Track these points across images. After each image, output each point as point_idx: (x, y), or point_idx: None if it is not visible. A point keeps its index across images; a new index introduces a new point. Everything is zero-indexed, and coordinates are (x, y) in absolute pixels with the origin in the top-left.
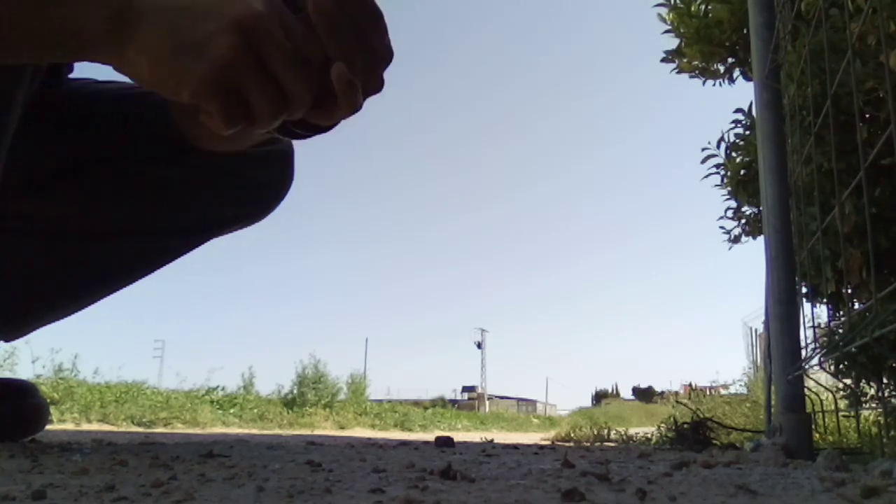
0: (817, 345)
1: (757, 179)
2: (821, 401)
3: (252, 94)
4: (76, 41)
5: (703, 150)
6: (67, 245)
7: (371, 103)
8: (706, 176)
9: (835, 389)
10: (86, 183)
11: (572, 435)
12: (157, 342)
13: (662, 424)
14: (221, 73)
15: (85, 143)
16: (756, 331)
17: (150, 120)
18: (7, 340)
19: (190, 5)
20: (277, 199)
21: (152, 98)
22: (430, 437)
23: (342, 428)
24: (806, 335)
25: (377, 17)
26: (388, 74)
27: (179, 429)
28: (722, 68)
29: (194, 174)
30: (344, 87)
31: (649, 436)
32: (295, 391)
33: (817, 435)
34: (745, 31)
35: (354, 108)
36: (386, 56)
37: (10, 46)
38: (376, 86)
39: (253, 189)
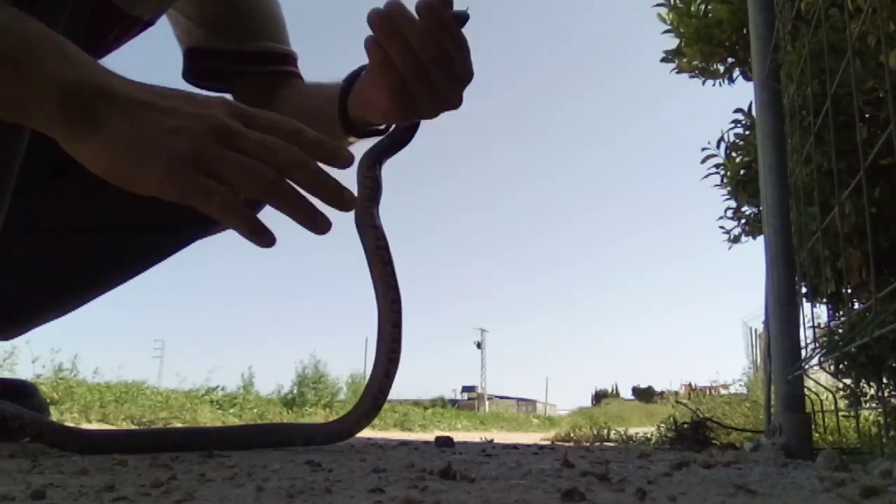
0: (817, 345)
1: (757, 179)
2: (821, 401)
3: (227, 175)
4: (19, 110)
5: (703, 150)
6: (67, 240)
7: None
8: (706, 176)
9: (835, 389)
10: (80, 180)
11: (572, 435)
12: (157, 342)
13: (662, 424)
14: (175, 165)
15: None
16: (756, 331)
17: None
18: (6, 339)
19: (151, 102)
20: None
21: None
22: (429, 437)
23: None
24: (806, 335)
25: (461, 42)
26: None
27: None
28: (722, 68)
29: None
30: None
31: (649, 436)
32: (295, 391)
33: (817, 435)
34: (745, 31)
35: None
36: (466, 76)
37: None
38: (456, 103)
39: None
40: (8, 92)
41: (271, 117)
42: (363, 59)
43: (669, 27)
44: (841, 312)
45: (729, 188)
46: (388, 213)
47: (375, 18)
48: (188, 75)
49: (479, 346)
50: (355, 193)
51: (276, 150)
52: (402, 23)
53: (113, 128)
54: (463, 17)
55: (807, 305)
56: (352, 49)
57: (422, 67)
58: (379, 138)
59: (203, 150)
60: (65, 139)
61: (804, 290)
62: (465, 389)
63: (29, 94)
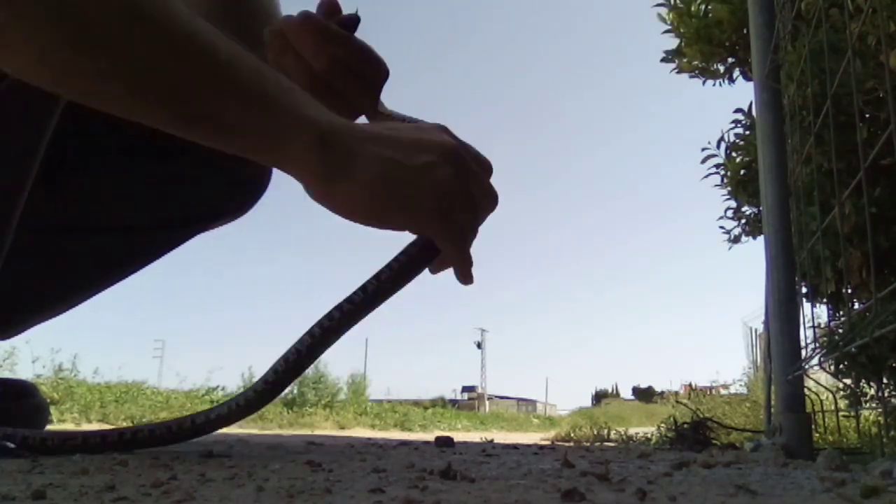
0: (817, 345)
1: (757, 179)
2: (821, 401)
3: (460, 215)
4: (269, 151)
5: (703, 150)
6: (63, 240)
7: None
8: (706, 176)
9: (835, 389)
10: (81, 178)
11: (572, 435)
12: (157, 342)
13: (662, 424)
14: (442, 200)
15: (81, 140)
16: (756, 331)
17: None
18: (5, 338)
19: (397, 137)
20: (258, 194)
21: None
22: (430, 437)
23: (342, 428)
24: (806, 335)
25: (354, 48)
26: (389, 78)
27: None
28: (722, 68)
29: (185, 169)
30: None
31: (649, 436)
32: (295, 391)
33: (817, 435)
34: (745, 31)
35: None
36: (373, 77)
37: (186, 119)
38: (367, 105)
39: (238, 184)
40: (264, 130)
41: (475, 152)
42: None
43: (669, 27)
44: (841, 312)
45: (729, 188)
46: None
47: (270, 36)
48: None
49: (479, 346)
50: None
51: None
52: (294, 38)
53: (372, 167)
54: (352, 22)
55: (807, 305)
56: None
57: (317, 78)
58: None
59: (462, 185)
60: (320, 180)
61: (804, 290)
62: (465, 389)
63: (285, 134)
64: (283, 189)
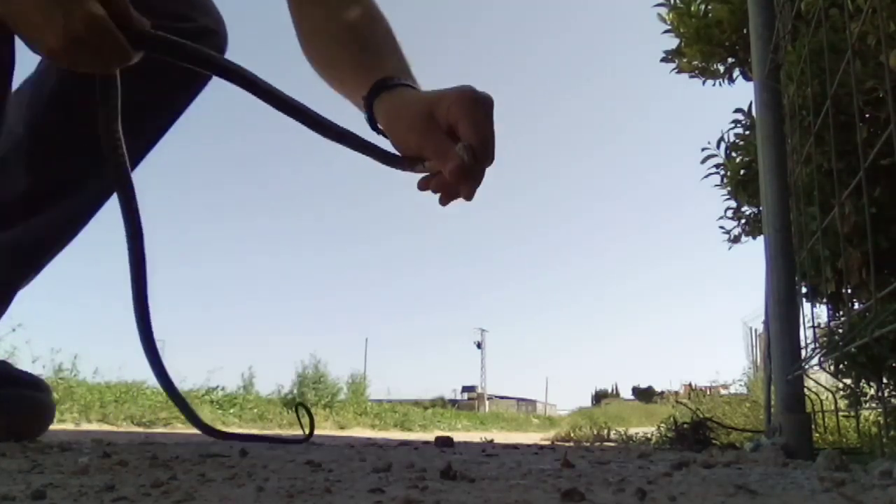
0: (817, 345)
1: (757, 179)
2: (821, 401)
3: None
4: None
5: (703, 150)
6: None
7: None
8: (706, 176)
9: (835, 389)
10: None
11: (572, 435)
12: (157, 342)
13: (662, 424)
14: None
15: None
16: (756, 331)
17: None
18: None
19: None
20: (195, 91)
21: None
22: (429, 437)
23: (342, 428)
24: (806, 335)
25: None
26: None
27: (179, 429)
28: (722, 68)
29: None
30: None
31: (649, 436)
32: (295, 391)
33: (817, 435)
34: (745, 31)
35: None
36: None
37: None
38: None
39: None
40: None
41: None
42: None
43: (669, 27)
44: (841, 312)
45: (729, 188)
46: (389, 212)
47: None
48: None
49: (479, 346)
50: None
51: None
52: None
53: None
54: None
55: (807, 305)
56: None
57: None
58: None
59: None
60: None
61: (804, 290)
62: (465, 389)
63: None
64: (285, 189)
